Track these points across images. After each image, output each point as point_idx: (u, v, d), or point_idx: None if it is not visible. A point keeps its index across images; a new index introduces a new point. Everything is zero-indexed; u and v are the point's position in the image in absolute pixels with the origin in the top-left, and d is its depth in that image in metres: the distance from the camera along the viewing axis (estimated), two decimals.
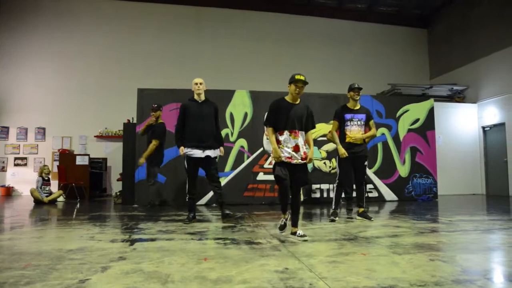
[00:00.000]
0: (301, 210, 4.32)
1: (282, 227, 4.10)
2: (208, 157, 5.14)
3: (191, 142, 5.09)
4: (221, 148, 5.42)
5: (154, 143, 6.99)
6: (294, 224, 3.92)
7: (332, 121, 5.70)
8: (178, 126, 5.23)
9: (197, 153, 5.08)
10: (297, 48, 13.71)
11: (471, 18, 12.81)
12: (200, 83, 5.24)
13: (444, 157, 10.77)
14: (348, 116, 5.46)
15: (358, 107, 5.51)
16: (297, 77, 3.90)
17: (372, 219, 5.34)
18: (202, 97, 5.27)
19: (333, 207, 5.50)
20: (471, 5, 12.83)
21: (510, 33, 11.08)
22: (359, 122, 5.42)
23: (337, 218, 5.38)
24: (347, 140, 5.39)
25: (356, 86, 5.44)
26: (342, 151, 5.35)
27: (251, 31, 13.64)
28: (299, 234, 3.80)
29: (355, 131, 5.39)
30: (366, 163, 5.48)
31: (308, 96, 7.67)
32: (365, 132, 5.47)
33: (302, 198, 7.61)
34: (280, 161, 3.86)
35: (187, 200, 5.31)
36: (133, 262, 2.83)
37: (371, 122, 5.50)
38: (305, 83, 3.92)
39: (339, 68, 13.69)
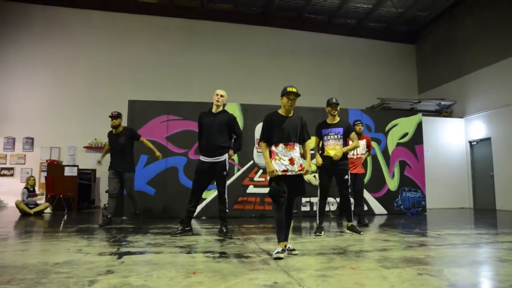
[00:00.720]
0: (291, 223, 4.31)
1: (280, 257, 3.49)
2: (215, 163, 5.08)
3: (203, 151, 5.19)
4: (231, 151, 5.32)
5: (146, 140, 6.84)
6: (285, 238, 3.90)
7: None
8: (198, 135, 5.39)
9: (206, 159, 5.11)
10: (287, 62, 13.86)
11: (457, 35, 13.14)
12: (221, 95, 5.25)
13: (432, 171, 10.89)
14: (324, 131, 5.52)
15: (336, 121, 5.52)
16: (289, 89, 3.92)
17: (361, 232, 5.36)
18: (220, 109, 5.27)
19: (317, 222, 5.49)
20: (458, 23, 13.17)
21: (495, 50, 11.39)
22: (335, 136, 5.43)
23: (322, 233, 5.30)
24: (324, 154, 5.44)
25: (333, 101, 5.47)
26: (318, 159, 5.45)
27: (241, 44, 13.77)
28: (288, 248, 3.78)
29: (331, 145, 5.42)
30: (346, 177, 5.46)
31: (297, 109, 7.72)
32: (347, 146, 5.53)
33: None
34: (275, 176, 3.79)
35: (186, 209, 5.23)
36: (121, 276, 2.79)
37: (352, 135, 5.51)
38: (297, 95, 3.94)
39: (329, 82, 13.85)
